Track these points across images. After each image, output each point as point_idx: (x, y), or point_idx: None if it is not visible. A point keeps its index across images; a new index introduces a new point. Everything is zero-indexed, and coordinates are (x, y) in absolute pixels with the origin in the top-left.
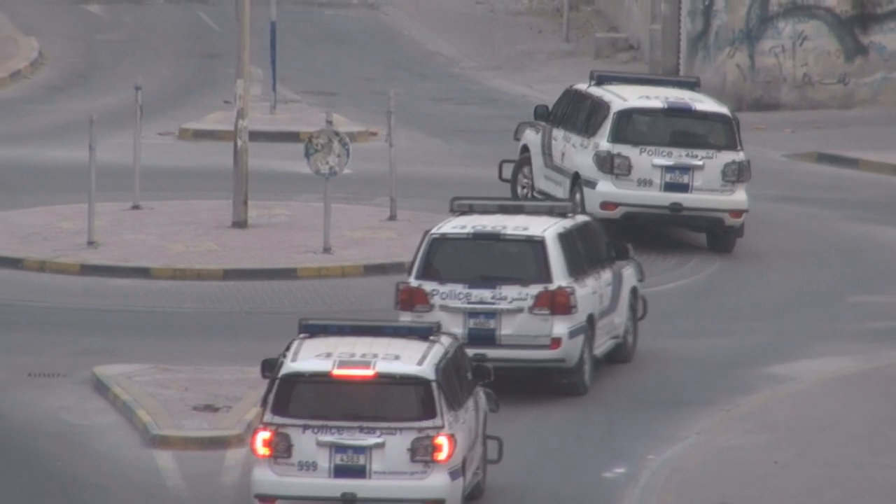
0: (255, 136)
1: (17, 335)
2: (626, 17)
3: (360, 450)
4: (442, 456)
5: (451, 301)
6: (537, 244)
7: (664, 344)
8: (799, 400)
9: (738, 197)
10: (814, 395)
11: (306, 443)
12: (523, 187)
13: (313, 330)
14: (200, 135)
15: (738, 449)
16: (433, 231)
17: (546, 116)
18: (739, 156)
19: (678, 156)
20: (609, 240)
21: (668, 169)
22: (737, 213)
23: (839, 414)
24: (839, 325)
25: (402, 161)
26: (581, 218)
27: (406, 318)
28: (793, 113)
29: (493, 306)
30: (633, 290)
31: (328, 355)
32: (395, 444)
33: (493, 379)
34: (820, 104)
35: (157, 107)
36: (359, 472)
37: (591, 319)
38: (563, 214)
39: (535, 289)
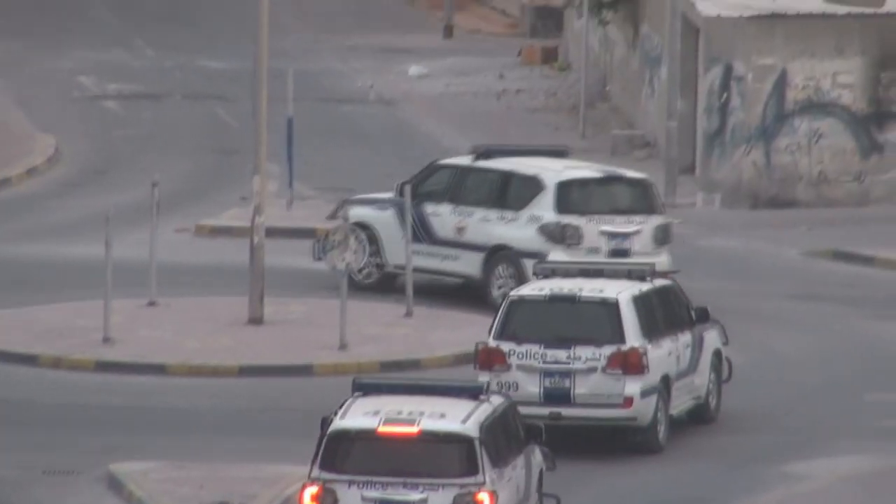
0: (272, 232)
1: (33, 432)
2: (642, 115)
3: None
4: None
5: (527, 361)
6: (611, 306)
7: (680, 440)
8: (816, 499)
9: (665, 258)
10: (831, 493)
11: (352, 498)
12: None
13: (367, 389)
14: (217, 231)
15: None
16: (512, 294)
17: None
18: (664, 219)
19: (620, 223)
20: (689, 303)
21: (613, 236)
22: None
23: None
24: (856, 422)
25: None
26: (660, 281)
27: (484, 377)
28: (809, 210)
29: (568, 366)
30: (717, 353)
31: (376, 413)
32: (437, 500)
33: (545, 438)
34: (836, 202)
35: (174, 202)
36: None
37: (666, 380)
38: (641, 278)
39: (608, 349)
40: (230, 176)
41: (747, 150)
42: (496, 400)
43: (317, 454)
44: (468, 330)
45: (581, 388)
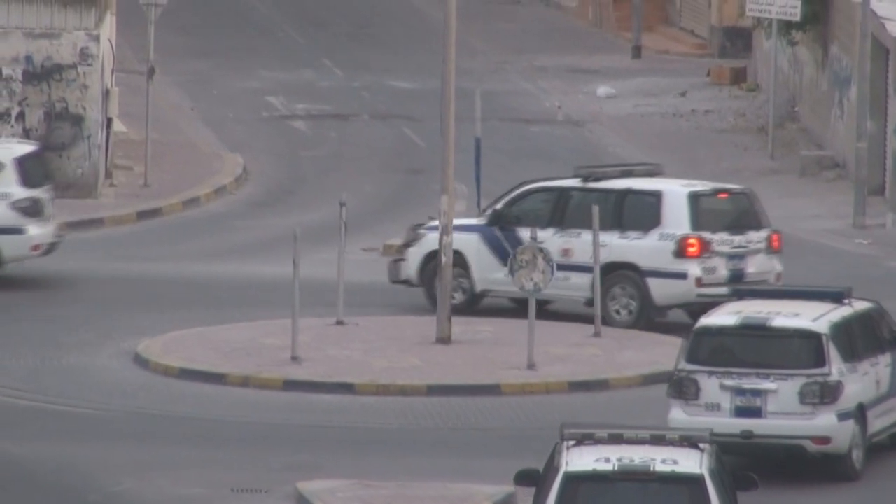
0: None
1: (220, 450)
2: (831, 135)
3: (756, 393)
4: (829, 400)
5: None
6: None
7: None
8: None
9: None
10: None
11: (712, 387)
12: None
13: (741, 294)
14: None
15: None
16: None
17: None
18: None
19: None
20: None
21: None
22: None
23: None
24: None
25: None
26: None
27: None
28: None
29: None
30: None
31: (738, 313)
32: (786, 389)
33: None
34: None
35: (361, 222)
36: (755, 412)
37: None
38: None
39: None
40: (417, 195)
41: None
42: (859, 305)
43: (683, 349)
44: (657, 350)
45: None
